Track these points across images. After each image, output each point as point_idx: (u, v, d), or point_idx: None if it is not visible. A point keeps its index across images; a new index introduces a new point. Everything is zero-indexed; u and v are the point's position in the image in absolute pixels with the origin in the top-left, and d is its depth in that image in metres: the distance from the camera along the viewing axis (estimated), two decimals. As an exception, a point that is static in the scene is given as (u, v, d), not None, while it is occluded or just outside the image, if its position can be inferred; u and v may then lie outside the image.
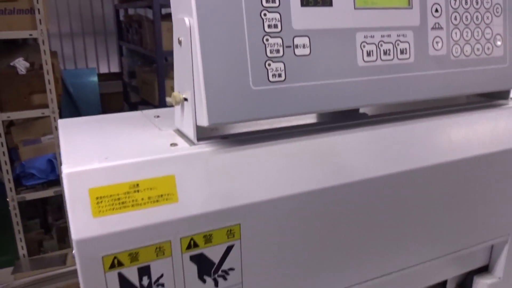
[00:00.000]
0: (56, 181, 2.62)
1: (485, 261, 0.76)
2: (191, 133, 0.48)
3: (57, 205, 3.15)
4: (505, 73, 0.62)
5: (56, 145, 2.55)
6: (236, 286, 0.50)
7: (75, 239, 0.40)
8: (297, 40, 0.47)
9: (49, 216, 3.01)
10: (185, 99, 0.48)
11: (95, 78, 4.53)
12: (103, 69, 4.76)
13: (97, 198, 0.41)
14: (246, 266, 0.50)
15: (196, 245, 0.46)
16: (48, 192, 2.61)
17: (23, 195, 2.55)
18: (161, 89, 3.02)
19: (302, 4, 0.47)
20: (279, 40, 0.46)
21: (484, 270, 0.77)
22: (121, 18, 4.27)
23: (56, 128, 2.54)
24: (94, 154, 0.45)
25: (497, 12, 0.59)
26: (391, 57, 0.53)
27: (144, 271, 0.45)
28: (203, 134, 0.49)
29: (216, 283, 0.49)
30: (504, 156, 0.64)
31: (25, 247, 2.62)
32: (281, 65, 0.47)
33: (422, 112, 0.62)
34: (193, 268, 0.47)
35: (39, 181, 2.56)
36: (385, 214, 0.57)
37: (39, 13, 2.28)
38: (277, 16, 0.46)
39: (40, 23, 2.30)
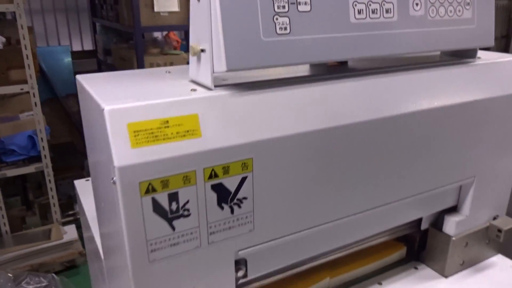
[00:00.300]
0: (37, 158, 2.62)
1: (454, 202, 0.87)
2: (208, 80, 0.55)
3: (37, 183, 3.15)
4: (473, 33, 0.71)
5: (36, 121, 2.55)
6: (248, 214, 0.58)
7: (117, 166, 0.47)
8: (300, -2, 0.55)
9: (30, 194, 3.01)
10: (202, 50, 0.55)
11: (69, 56, 4.47)
12: (76, 47, 4.68)
13: (134, 131, 0.48)
14: (257, 196, 0.58)
15: (216, 175, 0.54)
16: (30, 169, 2.61)
17: (4, 171, 2.54)
18: (139, 65, 3.03)
19: (304, -33, 0.54)
20: (284, -2, 0.54)
21: (453, 210, 0.88)
22: (94, -7, 4.20)
23: (36, 104, 2.54)
24: (125, 96, 0.52)
25: (467, -22, 0.68)
26: (378, 15, 0.61)
27: (173, 197, 0.52)
28: (216, 83, 0.57)
29: (232, 210, 0.57)
30: (471, 106, 0.74)
31: (7, 223, 2.63)
32: (286, 20, 0.54)
33: (402, 67, 0.71)
34: (213, 196, 0.55)
35: (20, 157, 2.56)
36: (370, 154, 0.66)
37: (14, -14, 2.25)
38: (283, -24, 0.53)
39: (16, -3, 2.27)
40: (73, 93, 4.56)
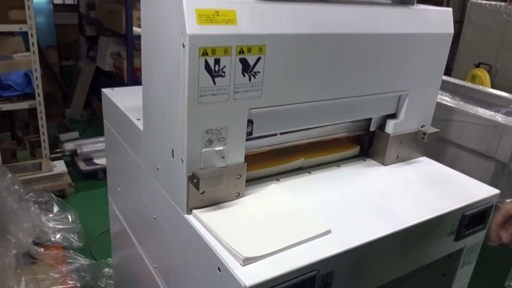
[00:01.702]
0: (31, 95, 2.82)
1: (394, 109, 1.22)
2: (241, -9, 0.86)
3: (24, 123, 3.34)
4: (413, -17, 1.05)
5: (32, 60, 2.74)
6: (259, 83, 0.90)
7: (189, 34, 0.78)
8: None
9: (18, 132, 3.20)
10: (239, -29, 0.85)
11: (51, 8, 4.56)
12: (58, 0, 4.75)
13: (199, 14, 0.79)
14: (266, 72, 0.90)
15: (243, 52, 0.85)
16: (23, 105, 2.81)
17: (0, 105, 2.73)
18: (128, 18, 3.23)
19: None
20: None
21: (393, 116, 1.23)
22: None
23: (33, 44, 2.72)
24: (191, -6, 0.82)
25: None
26: (351, -39, 0.93)
27: (217, 61, 0.83)
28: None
29: (250, 79, 0.88)
30: (408, 37, 1.08)
31: (-1, 155, 2.82)
32: (293, -44, 0.85)
33: (364, 2, 1.04)
34: (239, 66, 0.86)
35: (16, 93, 2.75)
36: (341, 56, 0.99)
37: None
38: None
39: None
40: (53, 45, 4.68)
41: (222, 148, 0.91)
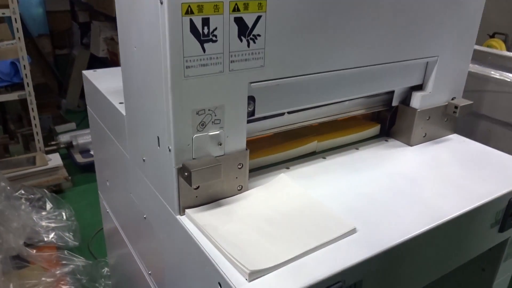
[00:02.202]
0: (20, 85, 2.65)
1: (420, 80, 1.04)
2: None
3: (17, 115, 3.18)
4: None
5: (18, 48, 2.56)
6: (261, 50, 0.72)
7: (167, -15, 0.60)
8: None
9: (11, 125, 3.05)
10: None
11: (41, -6, 4.36)
12: (48, -14, 4.55)
13: (179, -41, 0.60)
14: (268, 35, 0.72)
15: (238, 9, 0.67)
16: (13, 96, 2.65)
17: (-13, 97, 2.57)
18: (120, -1, 3.04)
19: None
20: None
21: (420, 88, 1.05)
22: None
23: (18, 30, 2.54)
24: None
25: None
26: None
27: (206, 21, 0.65)
28: None
29: (248, 44, 0.71)
30: (439, -12, 0.90)
31: (-9, 150, 2.68)
32: None
33: None
34: (235, 28, 0.68)
35: (3, 83, 2.59)
36: (359, 17, 0.81)
37: None
38: None
39: None
40: (45, 33, 4.50)
41: (218, 132, 0.73)
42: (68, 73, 4.29)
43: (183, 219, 0.74)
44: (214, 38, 0.67)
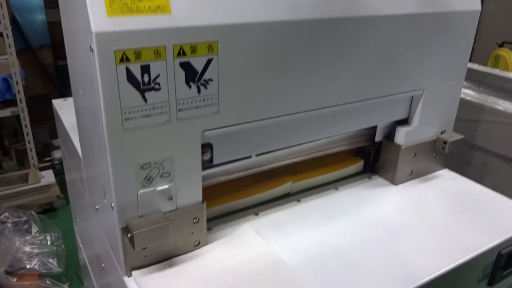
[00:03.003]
0: (13, 101, 2.62)
1: (405, 114, 0.95)
2: (178, -33, 0.60)
3: (13, 130, 3.15)
4: None
5: (10, 63, 2.53)
6: (214, 95, 0.65)
7: (94, 32, 0.53)
8: None
9: (5, 140, 3.01)
10: None
11: (43, 6, 4.34)
12: (49, -3, 4.54)
13: (110, 1, 0.53)
14: (222, 79, 0.64)
15: (184, 53, 0.60)
16: (5, 112, 2.61)
17: (-21, 114, 2.54)
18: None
19: None
20: None
21: (405, 122, 0.97)
22: None
23: (10, 45, 2.51)
24: (102, -25, 0.57)
25: None
26: None
27: (145, 69, 0.58)
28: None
29: (199, 90, 0.63)
30: (422, 18, 0.82)
31: (-16, 167, 2.64)
32: None
33: (360, -23, 0.77)
34: (181, 74, 0.61)
35: (-5, 100, 2.55)
36: (328, 51, 0.73)
37: None
38: None
39: None
40: (47, 44, 4.48)
41: (167, 186, 0.66)
42: (69, 84, 4.27)
43: (130, 282, 0.66)
44: (156, 86, 0.60)
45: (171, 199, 0.67)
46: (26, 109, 2.65)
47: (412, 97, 0.93)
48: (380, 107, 0.89)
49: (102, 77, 0.55)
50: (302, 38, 0.69)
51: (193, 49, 0.60)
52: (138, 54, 0.57)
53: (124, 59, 0.56)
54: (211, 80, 0.64)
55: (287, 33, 0.67)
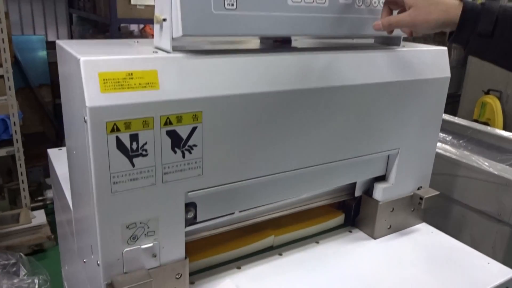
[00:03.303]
0: (9, 142, 2.66)
1: (382, 171, 1.01)
2: (167, 44, 0.67)
3: (7, 168, 3.17)
4: (396, 23, 0.85)
5: (9, 105, 2.59)
6: (198, 160, 0.70)
7: (89, 106, 0.58)
8: (246, -18, 0.67)
9: (-1, 178, 3.04)
10: (164, 19, 0.66)
11: (44, 46, 4.47)
12: (52, 37, 4.68)
13: (104, 79, 0.59)
14: (206, 145, 0.70)
15: (170, 123, 0.65)
16: (1, 152, 2.64)
17: (-25, 154, 2.57)
18: (114, 56, 3.09)
19: (249, -44, 0.67)
20: (232, -20, 0.66)
21: (382, 179, 1.02)
22: (72, -15, 4.24)
23: (10, 88, 2.58)
24: (98, 52, 0.63)
25: (390, -23, 0.82)
26: (311, 1, 0.74)
27: (134, 137, 0.63)
28: (175, 49, 0.68)
29: (184, 155, 0.68)
30: (393, 85, 0.88)
31: (-24, 206, 2.65)
32: (234, -2, 0.66)
33: (335, 48, 0.84)
34: (167, 141, 0.66)
35: (-8, 140, 2.59)
36: (305, 118, 0.79)
37: (-7, -28, 2.30)
38: (232, -37, 0.66)
39: (-5, -18, 2.32)
40: (46, 83, 4.58)
41: (151, 244, 0.70)
42: (65, 123, 4.33)
43: (112, 337, 0.69)
44: (144, 153, 0.65)
45: (155, 256, 0.71)
46: (21, 149, 2.69)
47: (389, 155, 0.98)
48: (358, 166, 0.94)
49: (93, 145, 0.61)
50: (280, 106, 0.75)
51: (179, 119, 0.66)
52: (128, 125, 0.62)
53: (114, 129, 0.61)
54: (195, 145, 0.69)
55: (265, 103, 0.73)
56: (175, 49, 0.67)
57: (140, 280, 0.67)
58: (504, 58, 0.77)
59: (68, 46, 0.69)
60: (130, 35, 3.57)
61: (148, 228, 0.69)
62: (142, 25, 3.56)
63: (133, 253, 0.68)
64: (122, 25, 3.07)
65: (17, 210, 2.77)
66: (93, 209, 0.64)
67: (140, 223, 0.68)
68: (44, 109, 4.39)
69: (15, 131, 2.63)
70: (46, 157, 3.87)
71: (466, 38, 0.74)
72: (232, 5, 0.66)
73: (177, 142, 0.67)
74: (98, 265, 0.67)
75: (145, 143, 0.64)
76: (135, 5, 3.01)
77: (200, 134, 0.69)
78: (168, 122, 0.65)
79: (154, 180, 0.67)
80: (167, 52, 0.67)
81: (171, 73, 0.64)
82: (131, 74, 0.61)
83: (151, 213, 0.68)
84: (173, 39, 0.66)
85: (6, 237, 2.53)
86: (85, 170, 0.65)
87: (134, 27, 3.95)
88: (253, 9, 0.68)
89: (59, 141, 4.34)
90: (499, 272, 0.91)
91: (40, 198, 2.93)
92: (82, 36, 4.03)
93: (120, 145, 0.62)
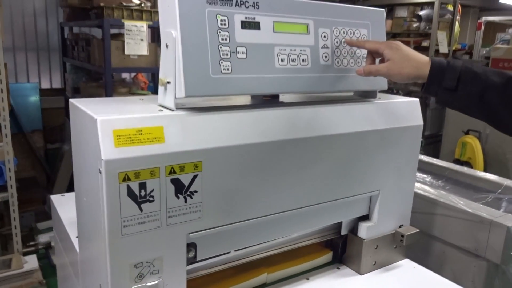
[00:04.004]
0: (3, 187, 2.70)
1: (366, 211, 1.09)
2: (171, 103, 0.77)
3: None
4: (370, 79, 0.97)
5: (5, 152, 2.65)
6: (198, 204, 0.78)
7: (104, 159, 0.67)
8: (239, 49, 0.78)
9: (-9, 224, 3.04)
10: (168, 82, 0.77)
11: (37, 93, 4.58)
12: (45, 85, 4.81)
13: (117, 136, 0.68)
14: (205, 190, 0.78)
15: (174, 172, 0.74)
16: (-5, 198, 2.68)
17: (-31, 200, 2.60)
18: (108, 103, 3.20)
19: (242, 27, 0.78)
20: (227, 48, 0.77)
21: (366, 218, 1.10)
22: (66, 35, 4.40)
23: (7, 135, 2.65)
24: (111, 112, 0.72)
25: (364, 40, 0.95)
26: (296, 63, 0.85)
27: (142, 185, 0.72)
28: (177, 106, 0.78)
29: (186, 200, 0.77)
30: (372, 134, 0.99)
31: (-33, 253, 2.65)
32: (229, 63, 0.77)
33: (320, 102, 0.95)
34: (171, 188, 0.75)
35: (-14, 186, 2.63)
36: (293, 165, 0.88)
37: (-5, 26, 2.43)
38: (227, 33, 0.77)
39: (-4, 35, 2.44)
40: (38, 129, 4.65)
41: (156, 282, 0.77)
42: (57, 168, 4.37)
43: None
44: (151, 199, 0.73)
45: (159, 293, 0.78)
46: (15, 195, 2.73)
47: (371, 197, 1.07)
48: (343, 206, 1.03)
49: (107, 193, 0.69)
50: (270, 155, 0.84)
51: (182, 168, 0.75)
52: (137, 174, 0.71)
53: (126, 178, 0.70)
54: (196, 191, 0.77)
55: (257, 152, 0.82)
56: (177, 107, 0.77)
57: (146, 316, 0.73)
58: (467, 108, 0.89)
59: (82, 106, 0.78)
60: (122, 82, 3.70)
61: (154, 266, 0.76)
62: (134, 73, 3.71)
63: (139, 290, 0.75)
64: (114, 73, 3.20)
65: (9, 255, 2.77)
66: (104, 250, 0.72)
67: (147, 262, 0.75)
68: (36, 154, 4.44)
69: (10, 177, 2.68)
70: (37, 202, 3.88)
71: (435, 90, 0.86)
72: (227, 69, 0.77)
73: (180, 188, 0.75)
74: (108, 302, 0.74)
75: (152, 190, 0.73)
76: (129, 55, 3.15)
77: (200, 181, 0.77)
78: (172, 171, 0.74)
79: (159, 223, 0.75)
80: (171, 110, 0.77)
81: (175, 128, 0.74)
82: (141, 130, 0.71)
83: (157, 253, 0.76)
84: (176, 98, 0.76)
85: (-2, 283, 2.52)
86: (97, 215, 0.73)
87: (125, 75, 4.10)
88: (245, 72, 0.79)
89: (50, 186, 4.37)
90: (476, 303, 0.99)
91: (32, 243, 2.93)
92: (76, 83, 4.15)
93: (130, 192, 0.71)
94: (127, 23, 3.16)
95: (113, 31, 3.53)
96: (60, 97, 4.65)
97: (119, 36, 3.30)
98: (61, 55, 4.54)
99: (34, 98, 4.59)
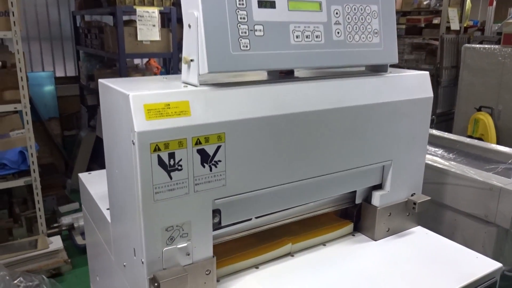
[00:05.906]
0: (27, 172, 2.80)
1: (379, 180, 1.15)
2: (195, 80, 0.82)
3: (23, 198, 3.31)
4: (381, 53, 1.01)
5: (27, 138, 2.75)
6: (222, 172, 0.84)
7: (137, 131, 0.73)
8: (256, 27, 0.83)
9: (16, 208, 3.17)
10: (192, 60, 0.82)
11: (52, 81, 4.68)
12: (59, 73, 4.89)
13: (148, 110, 0.75)
14: (228, 160, 0.84)
15: (200, 143, 0.80)
16: (19, 182, 2.79)
17: (-5, 184, 2.71)
18: (123, 88, 3.27)
19: (259, 6, 0.83)
20: (246, 26, 0.82)
21: (379, 187, 1.16)
22: (78, 24, 4.47)
23: (28, 122, 2.75)
24: (140, 88, 0.78)
25: (375, 16, 0.99)
26: (310, 39, 0.90)
27: (171, 155, 0.78)
28: (201, 82, 0.84)
29: (211, 169, 0.83)
30: (383, 106, 1.03)
31: (-5, 235, 2.77)
32: (247, 41, 0.82)
33: (332, 76, 1.00)
34: (198, 157, 0.81)
35: (11, 171, 2.74)
36: (311, 136, 0.94)
37: (13, 15, 2.50)
38: (245, 13, 0.82)
39: (14, 25, 2.52)
40: (55, 117, 4.76)
41: (185, 244, 0.84)
42: (74, 154, 4.48)
43: (155, 325, 0.82)
44: (179, 168, 0.79)
45: (188, 254, 0.85)
46: (38, 179, 2.84)
47: (383, 166, 1.12)
48: (357, 176, 1.08)
49: (140, 163, 0.75)
50: (288, 126, 0.90)
51: (207, 139, 0.81)
52: (166, 145, 0.77)
53: (156, 149, 0.76)
54: (220, 161, 0.83)
55: (275, 124, 0.88)
56: (201, 83, 0.83)
57: (178, 274, 0.80)
58: None
59: (113, 84, 0.84)
60: (135, 68, 3.76)
61: (183, 230, 0.83)
62: (146, 59, 3.77)
63: (170, 252, 0.82)
64: (127, 59, 3.26)
65: (34, 236, 2.89)
66: (138, 215, 0.78)
67: (177, 226, 0.82)
68: (54, 141, 4.55)
69: (32, 162, 2.78)
70: (57, 187, 3.99)
71: None
72: (246, 46, 0.82)
73: (205, 158, 0.82)
74: (143, 263, 0.81)
75: (180, 160, 0.79)
76: (141, 41, 3.20)
77: (224, 151, 0.83)
78: (198, 142, 0.80)
79: (187, 190, 0.81)
80: (195, 86, 0.83)
81: (200, 102, 0.80)
82: (169, 104, 0.77)
83: (185, 218, 0.82)
84: (199, 75, 0.81)
85: (25, 262, 2.64)
86: (131, 184, 0.80)
87: (138, 61, 4.16)
88: (263, 49, 0.84)
89: (68, 172, 4.49)
90: (486, 264, 1.04)
91: (55, 225, 3.05)
92: (90, 70, 4.22)
93: (160, 162, 0.77)
94: (139, 9, 3.21)
95: (124, 17, 3.59)
96: (74, 84, 4.74)
97: (131, 23, 3.36)
98: (74, 43, 4.61)
99: (50, 86, 4.69)
